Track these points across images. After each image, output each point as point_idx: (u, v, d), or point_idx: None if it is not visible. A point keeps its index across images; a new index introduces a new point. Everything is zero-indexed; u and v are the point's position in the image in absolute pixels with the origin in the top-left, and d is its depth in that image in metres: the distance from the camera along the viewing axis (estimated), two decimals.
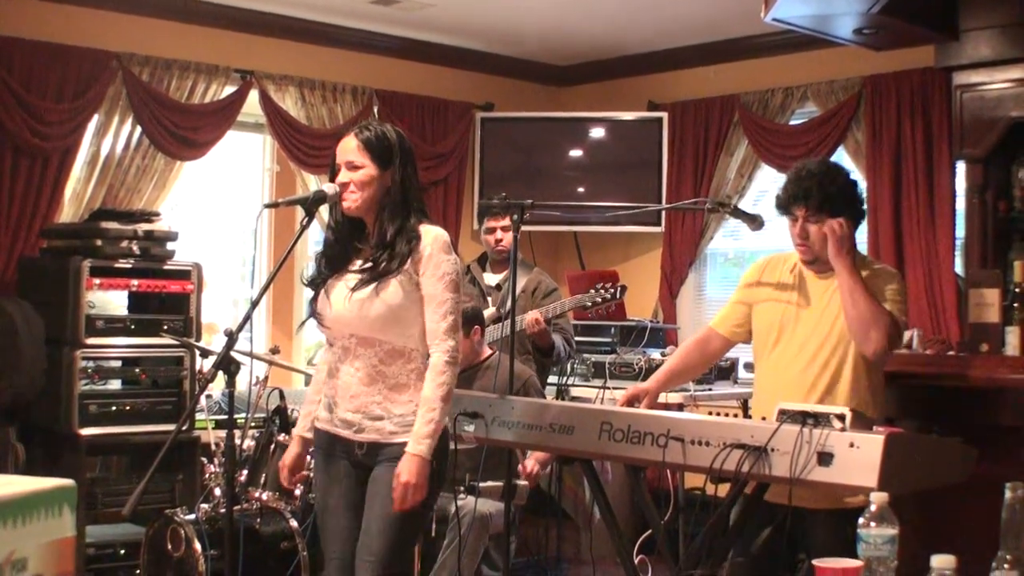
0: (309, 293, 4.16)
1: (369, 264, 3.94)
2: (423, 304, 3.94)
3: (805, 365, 4.23)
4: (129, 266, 6.64)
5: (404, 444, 3.87)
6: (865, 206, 4.43)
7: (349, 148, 3.99)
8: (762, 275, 4.48)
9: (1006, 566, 2.32)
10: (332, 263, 4.06)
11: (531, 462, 5.94)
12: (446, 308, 3.93)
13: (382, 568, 3.87)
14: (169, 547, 5.52)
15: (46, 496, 1.67)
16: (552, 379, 7.27)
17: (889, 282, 4.23)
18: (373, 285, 3.89)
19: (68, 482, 1.72)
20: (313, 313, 4.07)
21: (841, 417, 3.53)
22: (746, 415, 6.19)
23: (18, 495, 1.63)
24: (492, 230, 6.66)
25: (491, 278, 6.72)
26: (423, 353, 3.95)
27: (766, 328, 4.38)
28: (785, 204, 4.31)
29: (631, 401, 4.34)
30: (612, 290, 6.28)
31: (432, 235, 3.96)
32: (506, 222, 6.55)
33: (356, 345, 3.96)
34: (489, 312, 6.42)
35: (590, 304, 6.36)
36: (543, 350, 6.47)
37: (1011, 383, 4.71)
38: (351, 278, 3.95)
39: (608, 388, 7.12)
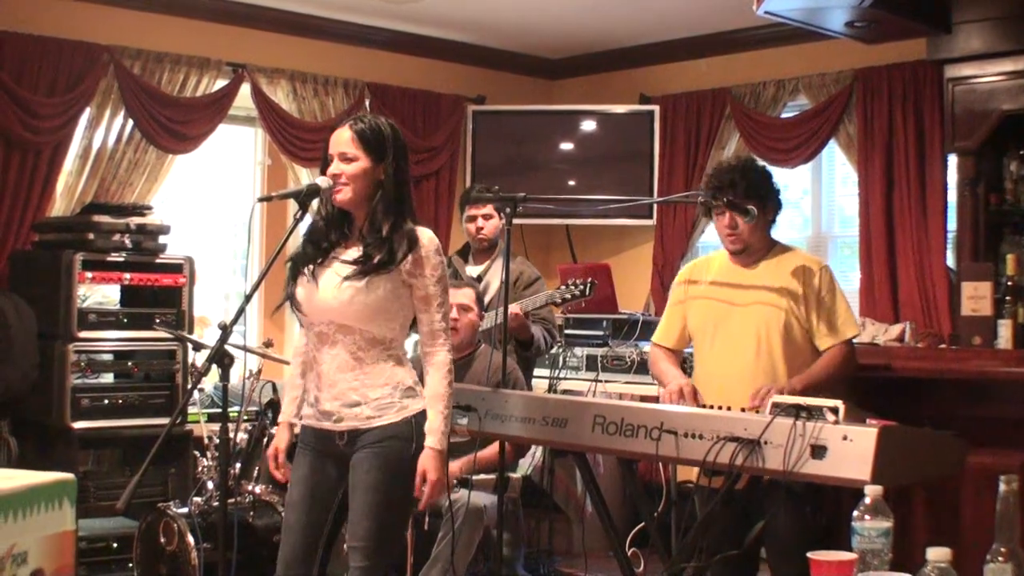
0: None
1: (361, 256, 3.94)
2: (409, 300, 3.99)
3: (745, 357, 4.40)
4: (121, 259, 6.64)
5: (383, 428, 3.93)
6: (782, 196, 4.61)
7: (343, 139, 3.99)
8: (691, 275, 4.70)
9: (1000, 558, 2.33)
10: (317, 251, 4.06)
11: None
12: (445, 309, 4.02)
13: (371, 551, 3.91)
14: (162, 540, 5.53)
15: (47, 490, 1.68)
16: (544, 372, 7.26)
17: (832, 296, 4.44)
18: (366, 278, 3.90)
19: (68, 476, 1.72)
20: (291, 297, 4.08)
21: (834, 410, 3.54)
22: None
23: (19, 489, 1.63)
24: (473, 218, 6.58)
25: (472, 270, 6.64)
26: (401, 342, 4.03)
27: (701, 325, 4.58)
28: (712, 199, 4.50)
29: (690, 396, 4.37)
30: (582, 286, 6.25)
31: (427, 237, 4.00)
32: (487, 210, 6.50)
33: (335, 332, 3.98)
34: None
35: (560, 300, 6.32)
36: (523, 343, 6.41)
37: (1003, 376, 4.73)
38: (341, 268, 3.95)
39: (600, 381, 7.14)
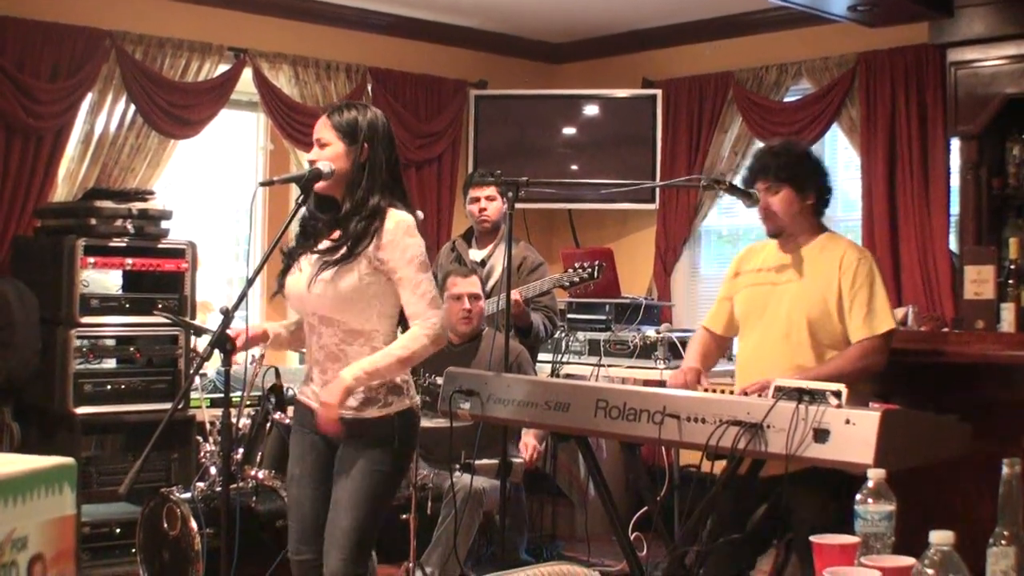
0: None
1: (330, 246, 3.98)
2: (383, 288, 3.98)
3: (780, 342, 4.40)
4: (123, 245, 6.63)
5: (365, 422, 3.96)
6: (830, 179, 4.58)
7: (320, 125, 4.10)
8: (740, 265, 4.70)
9: (1003, 542, 2.32)
10: (305, 239, 4.12)
11: (531, 441, 5.93)
12: (423, 288, 3.97)
13: (349, 543, 3.95)
14: (165, 525, 5.52)
15: (47, 474, 1.67)
16: (546, 356, 7.25)
17: (869, 288, 4.35)
18: (334, 268, 3.93)
19: (68, 460, 1.71)
20: (281, 287, 4.15)
21: (837, 394, 3.54)
22: None
23: (19, 473, 1.63)
24: (476, 199, 6.55)
25: (476, 254, 6.62)
26: (385, 333, 4.01)
27: (744, 312, 4.59)
28: (749, 183, 4.52)
29: (692, 382, 4.38)
30: (590, 269, 6.24)
31: (395, 220, 3.97)
32: (490, 191, 6.48)
33: (318, 323, 4.04)
34: None
35: (568, 284, 6.30)
36: (522, 330, 6.37)
37: (1006, 359, 4.72)
38: (316, 258, 3.99)
39: (603, 365, 7.14)
